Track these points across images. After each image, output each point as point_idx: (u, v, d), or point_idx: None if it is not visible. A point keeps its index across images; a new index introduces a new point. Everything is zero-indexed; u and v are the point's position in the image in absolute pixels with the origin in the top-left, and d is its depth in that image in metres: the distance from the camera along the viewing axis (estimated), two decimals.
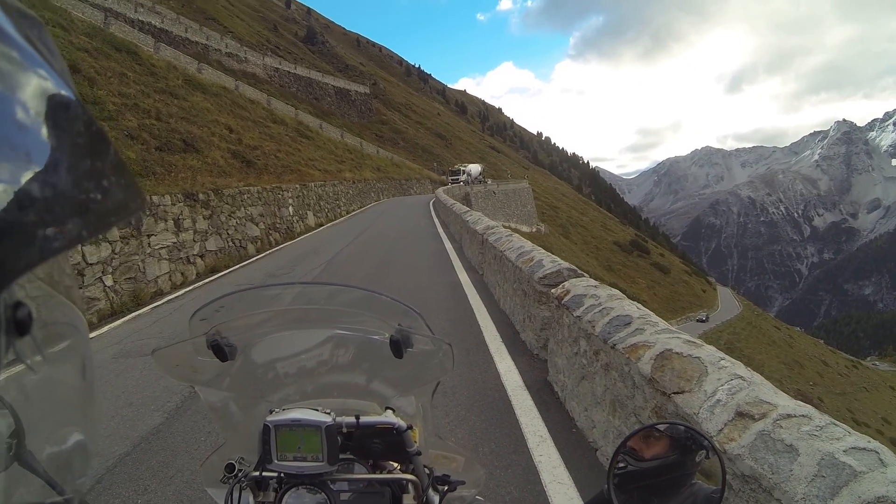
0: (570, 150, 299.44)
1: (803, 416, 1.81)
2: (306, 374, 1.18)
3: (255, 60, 60.36)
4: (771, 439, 1.76)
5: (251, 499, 1.04)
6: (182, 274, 11.20)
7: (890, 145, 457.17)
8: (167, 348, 1.05)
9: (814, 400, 48.90)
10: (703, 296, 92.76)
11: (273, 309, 1.17)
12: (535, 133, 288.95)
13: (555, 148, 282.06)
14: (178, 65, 29.82)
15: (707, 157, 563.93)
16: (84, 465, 0.58)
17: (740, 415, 1.96)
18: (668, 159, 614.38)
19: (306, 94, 67.25)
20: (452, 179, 51.42)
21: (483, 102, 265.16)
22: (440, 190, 34.01)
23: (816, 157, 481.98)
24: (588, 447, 3.46)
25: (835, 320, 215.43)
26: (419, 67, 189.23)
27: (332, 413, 1.01)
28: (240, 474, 1.06)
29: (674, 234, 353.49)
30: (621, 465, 1.04)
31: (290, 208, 19.21)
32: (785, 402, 1.92)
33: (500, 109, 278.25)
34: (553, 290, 4.61)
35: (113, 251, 9.01)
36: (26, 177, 0.27)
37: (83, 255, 8.27)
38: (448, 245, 13.73)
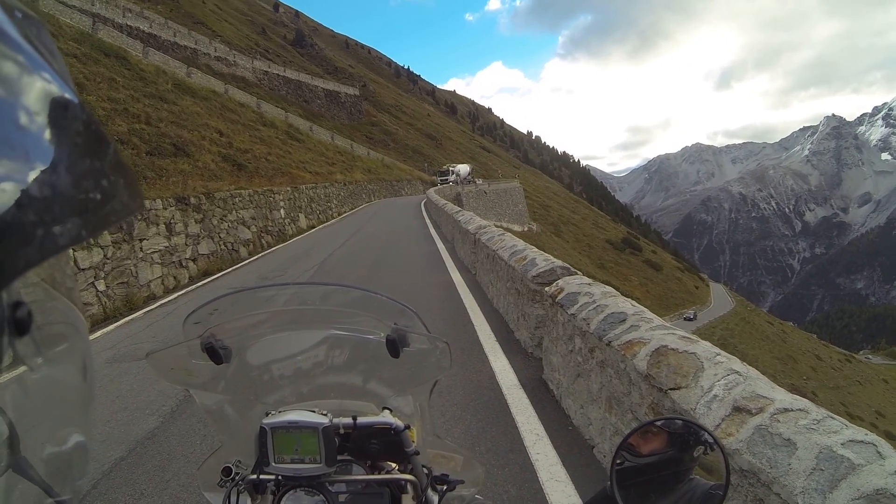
0: (560, 149, 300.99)
1: (800, 409, 1.81)
2: (302, 376, 1.16)
3: (244, 64, 60.22)
4: (769, 433, 1.76)
5: (249, 502, 1.03)
6: (175, 278, 11.16)
7: (879, 139, 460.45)
8: (161, 352, 1.04)
9: (808, 394, 49.21)
10: (695, 292, 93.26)
11: (268, 310, 1.15)
12: (526, 132, 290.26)
13: (545, 147, 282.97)
14: (167, 69, 29.79)
15: (697, 153, 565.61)
16: (83, 467, 0.57)
17: (737, 410, 1.96)
18: (658, 157, 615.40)
19: (296, 97, 67.07)
20: (441, 180, 51.92)
21: (473, 102, 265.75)
22: (431, 190, 33.94)
23: (806, 152, 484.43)
24: (584, 444, 3.46)
25: (827, 315, 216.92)
26: (408, 69, 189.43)
27: (328, 414, 1.00)
28: (237, 477, 1.05)
29: (665, 232, 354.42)
30: (619, 461, 1.04)
31: (282, 211, 19.14)
32: (782, 397, 1.93)
33: (490, 109, 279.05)
34: (547, 289, 4.61)
35: (105, 256, 8.96)
36: (26, 176, 0.27)
37: (75, 261, 8.21)
38: (440, 245, 13.72)
